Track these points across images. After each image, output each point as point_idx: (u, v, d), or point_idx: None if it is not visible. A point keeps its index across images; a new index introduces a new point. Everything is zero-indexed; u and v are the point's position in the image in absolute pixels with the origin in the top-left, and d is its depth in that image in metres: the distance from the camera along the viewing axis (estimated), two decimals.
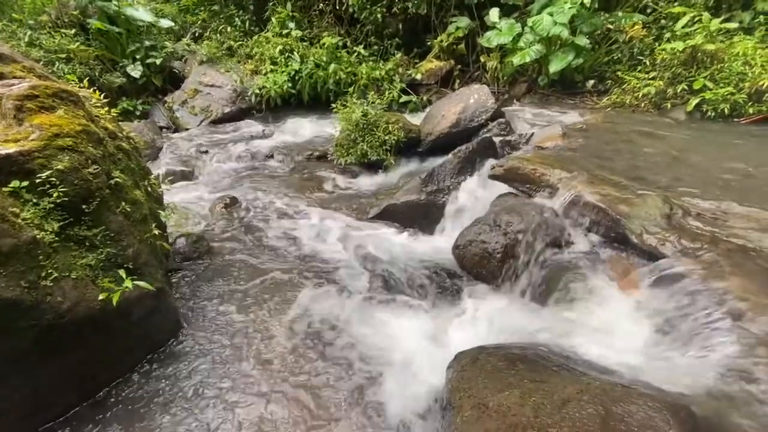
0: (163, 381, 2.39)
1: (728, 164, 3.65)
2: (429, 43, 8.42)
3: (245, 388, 2.35)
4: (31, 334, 1.86)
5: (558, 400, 1.75)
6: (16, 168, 1.93)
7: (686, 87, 5.56)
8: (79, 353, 2.12)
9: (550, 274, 2.92)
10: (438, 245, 3.77)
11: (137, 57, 7.49)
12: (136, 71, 7.34)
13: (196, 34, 9.38)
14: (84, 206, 2.11)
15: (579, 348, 2.30)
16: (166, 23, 8.19)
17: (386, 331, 2.80)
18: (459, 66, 8.26)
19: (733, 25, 5.69)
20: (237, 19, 8.96)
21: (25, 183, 1.93)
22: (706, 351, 1.98)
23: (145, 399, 2.28)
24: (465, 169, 4.28)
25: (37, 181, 1.95)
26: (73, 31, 7.03)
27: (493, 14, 7.20)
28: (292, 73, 7.62)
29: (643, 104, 5.94)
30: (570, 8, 6.15)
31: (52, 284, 1.92)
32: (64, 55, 6.72)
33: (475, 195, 4.05)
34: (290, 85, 7.59)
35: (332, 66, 7.61)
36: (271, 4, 8.57)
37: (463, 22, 7.75)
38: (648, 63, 6.18)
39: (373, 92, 6.83)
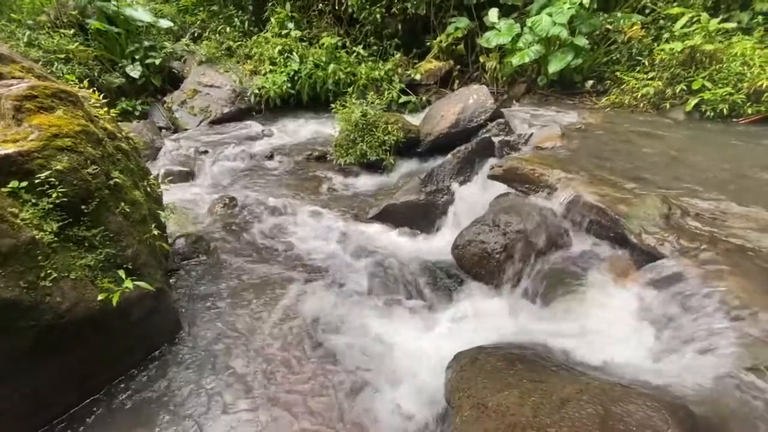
0: (163, 381, 2.38)
1: (727, 164, 3.65)
2: (428, 44, 8.42)
3: (244, 389, 2.35)
4: (31, 335, 1.86)
5: (557, 399, 1.75)
6: (15, 168, 1.93)
7: (685, 87, 5.57)
8: (79, 353, 2.12)
9: (549, 275, 2.92)
10: (437, 245, 3.78)
11: (136, 57, 7.49)
12: (135, 71, 7.33)
13: (195, 35, 9.37)
14: (83, 207, 2.11)
15: (578, 348, 2.31)
16: (165, 23, 8.18)
17: (386, 332, 2.80)
18: (458, 66, 8.27)
19: (732, 25, 5.70)
20: (236, 19, 8.95)
21: (24, 183, 1.93)
22: (705, 350, 1.98)
23: (145, 399, 2.28)
24: (464, 169, 4.28)
25: (36, 181, 1.95)
26: (72, 31, 7.02)
27: (492, 15, 7.21)
28: (292, 73, 7.61)
29: (641, 104, 5.95)
30: (569, 9, 6.15)
31: (51, 285, 1.92)
32: (63, 56, 6.70)
33: (474, 195, 4.05)
34: (289, 85, 7.58)
35: (331, 66, 7.61)
36: (270, 4, 8.56)
37: (462, 22, 7.75)
38: (647, 63, 6.19)
39: (372, 92, 6.82)
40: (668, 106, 5.69)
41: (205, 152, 5.92)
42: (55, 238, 1.98)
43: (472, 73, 8.30)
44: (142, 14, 7.56)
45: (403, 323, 2.89)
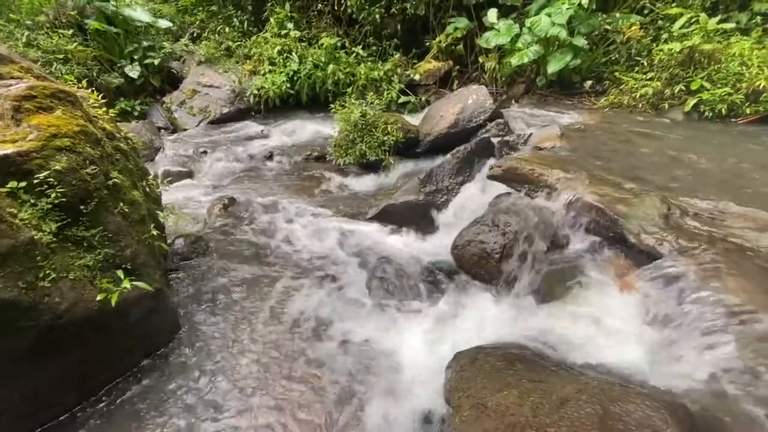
0: (162, 382, 2.38)
1: (725, 164, 3.66)
2: (427, 44, 8.43)
3: (243, 390, 2.35)
4: (30, 335, 1.86)
5: (556, 399, 1.75)
6: (14, 168, 1.92)
7: (683, 87, 5.57)
8: (78, 353, 2.12)
9: (548, 274, 2.92)
10: (436, 245, 3.78)
11: (135, 57, 7.48)
12: (134, 72, 7.33)
13: (195, 35, 9.37)
14: (82, 207, 2.11)
15: (577, 348, 2.31)
16: (164, 23, 8.18)
17: (385, 332, 2.80)
18: (457, 67, 8.27)
19: (730, 25, 5.70)
20: (235, 19, 8.95)
21: (23, 183, 1.92)
22: (704, 350, 1.99)
23: (144, 399, 2.28)
24: (463, 169, 4.29)
25: (35, 181, 1.95)
26: (71, 31, 7.01)
27: (492, 15, 7.21)
28: (291, 73, 7.61)
29: (640, 105, 5.96)
30: (568, 9, 6.16)
31: (49, 285, 1.91)
32: (61, 56, 6.70)
33: (473, 195, 4.05)
34: (289, 85, 7.58)
35: (331, 66, 7.61)
36: (269, 4, 8.56)
37: (462, 22, 7.76)
38: (645, 64, 6.20)
39: (371, 93, 6.82)
40: (667, 106, 5.70)
41: (204, 152, 5.92)
42: (54, 239, 1.98)
43: (472, 73, 8.30)
44: (140, 14, 7.55)
45: (403, 323, 2.89)
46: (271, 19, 8.33)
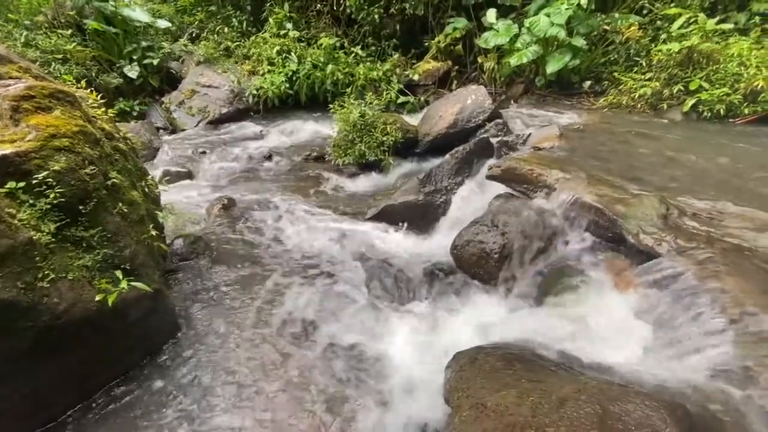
0: (162, 382, 2.38)
1: (724, 164, 3.67)
2: (426, 44, 8.43)
3: (242, 391, 2.35)
4: (30, 335, 1.86)
5: (555, 399, 1.75)
6: (13, 169, 1.92)
7: (682, 88, 5.59)
8: (78, 353, 2.12)
9: (547, 274, 2.93)
10: (435, 246, 3.78)
11: (134, 57, 7.47)
12: (133, 72, 7.32)
13: (194, 35, 9.36)
14: (81, 207, 2.11)
15: (576, 347, 2.31)
16: (163, 24, 8.17)
17: (384, 332, 2.80)
18: (456, 67, 8.28)
19: (729, 26, 5.72)
20: (234, 19, 8.94)
21: (22, 184, 1.92)
22: (703, 350, 1.99)
23: (144, 399, 2.27)
24: (462, 169, 4.29)
25: (34, 182, 1.95)
26: (70, 31, 7.00)
27: (491, 15, 7.22)
28: (290, 73, 7.61)
29: (639, 105, 5.97)
30: (567, 9, 6.17)
31: (48, 285, 1.91)
32: (60, 56, 6.69)
33: (472, 195, 4.06)
34: (288, 85, 7.58)
35: (330, 67, 7.61)
36: (268, 4, 8.56)
37: (461, 23, 7.76)
38: (644, 64, 6.21)
39: (370, 93, 6.82)
40: (665, 106, 5.71)
41: (204, 153, 5.92)
42: (53, 239, 1.98)
43: (471, 73, 8.31)
44: (139, 14, 7.55)
45: (402, 323, 2.89)
46: (270, 20, 8.33)
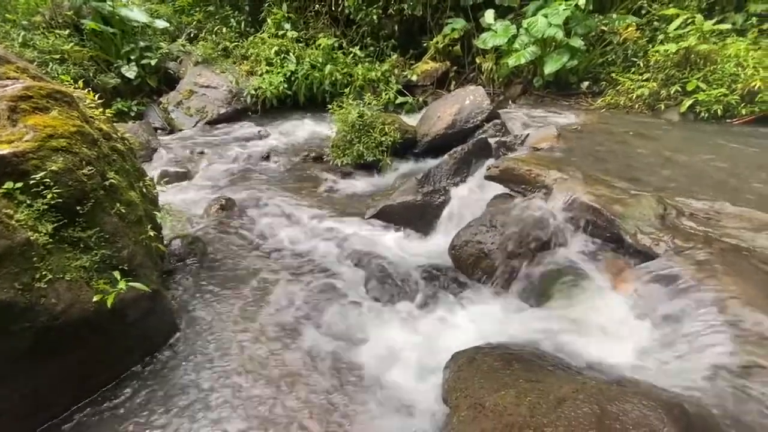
0: (161, 382, 2.38)
1: (721, 164, 3.68)
2: (425, 45, 8.44)
3: (240, 391, 2.34)
4: (28, 335, 1.85)
5: (554, 399, 1.75)
6: (10, 169, 1.91)
7: (679, 88, 5.60)
8: (78, 354, 2.11)
9: (546, 274, 2.93)
10: (434, 246, 3.78)
11: (132, 58, 7.46)
12: (130, 72, 7.31)
13: (192, 35, 9.35)
14: (78, 207, 2.10)
15: (574, 347, 2.32)
16: (161, 24, 8.16)
17: (383, 333, 2.80)
18: (455, 67, 8.29)
19: (726, 26, 5.74)
20: (232, 19, 8.94)
21: (19, 184, 1.91)
22: (700, 349, 2.00)
23: (144, 399, 2.27)
24: (461, 170, 4.29)
25: (31, 182, 1.94)
26: (67, 31, 6.99)
27: (489, 16, 7.23)
28: (288, 74, 7.61)
29: (637, 105, 5.99)
30: (564, 10, 6.18)
31: (46, 286, 1.90)
32: (58, 56, 6.67)
33: (470, 196, 4.06)
34: (286, 86, 7.58)
35: (328, 67, 7.61)
36: (266, 5, 8.55)
37: (459, 23, 7.78)
38: (642, 64, 6.23)
39: (369, 93, 6.83)
40: (663, 107, 5.73)
41: (202, 153, 5.91)
42: (50, 240, 1.97)
43: (469, 74, 8.32)
44: (137, 14, 7.53)
45: (400, 323, 2.89)
46: (269, 20, 8.32)
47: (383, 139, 5.19)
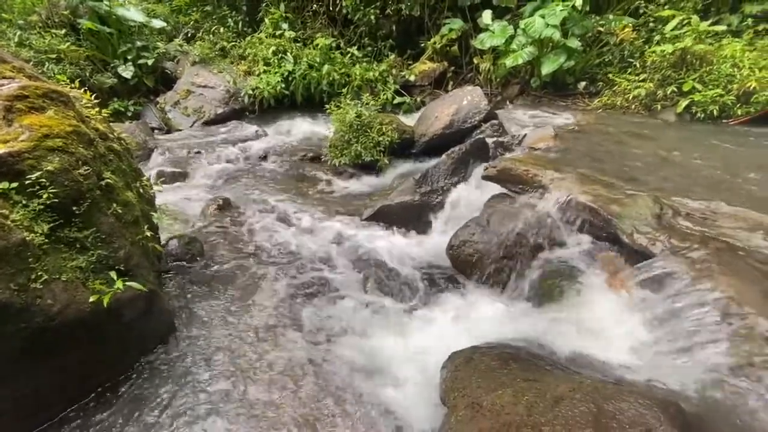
0: (159, 382, 2.37)
1: (717, 165, 3.70)
2: (422, 45, 8.44)
3: (238, 391, 2.34)
4: (25, 336, 1.85)
5: (551, 398, 1.76)
6: (6, 169, 1.91)
7: (676, 89, 5.63)
8: (76, 354, 2.11)
9: (542, 274, 2.94)
10: (432, 246, 3.78)
11: (129, 57, 7.44)
12: (127, 72, 7.29)
13: (189, 35, 9.32)
14: (74, 208, 2.09)
15: (571, 347, 2.33)
16: (158, 23, 8.14)
17: (380, 333, 2.80)
18: (452, 68, 8.29)
19: (722, 27, 5.77)
20: (230, 19, 8.92)
21: (15, 184, 1.91)
22: (696, 348, 2.01)
23: (143, 399, 2.27)
24: (458, 170, 4.30)
25: (27, 182, 1.93)
26: (64, 31, 6.96)
27: (486, 16, 7.24)
28: (286, 74, 7.60)
29: (633, 106, 6.01)
30: (561, 11, 6.20)
31: (42, 287, 1.90)
32: (54, 56, 6.65)
33: (468, 196, 4.06)
34: (283, 86, 7.57)
35: (326, 67, 7.60)
36: (264, 5, 8.54)
37: (456, 24, 7.78)
38: (638, 65, 6.25)
39: (366, 93, 6.82)
40: (659, 107, 5.75)
41: (199, 153, 5.89)
42: (46, 240, 1.96)
43: (466, 74, 8.33)
44: (134, 14, 7.51)
45: (398, 323, 2.89)
46: (266, 20, 8.31)
47: (381, 139, 5.19)
